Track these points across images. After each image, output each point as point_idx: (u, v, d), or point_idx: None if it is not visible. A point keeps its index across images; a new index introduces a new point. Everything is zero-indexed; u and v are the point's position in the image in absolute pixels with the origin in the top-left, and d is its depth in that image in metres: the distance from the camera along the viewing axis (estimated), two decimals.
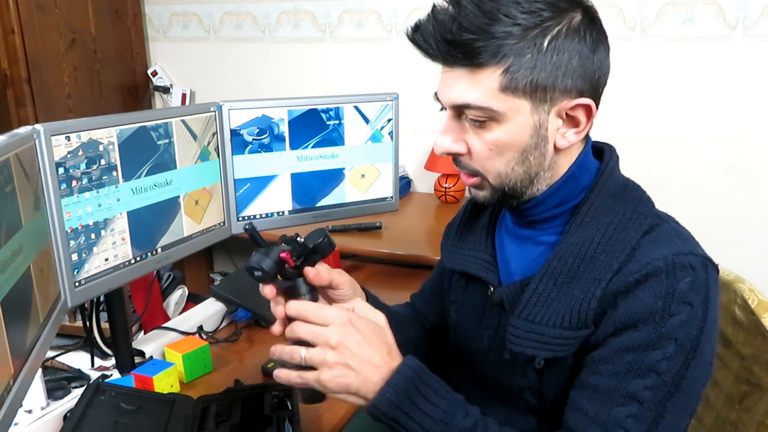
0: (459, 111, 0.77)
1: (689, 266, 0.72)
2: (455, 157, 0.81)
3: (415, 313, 1.08)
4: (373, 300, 0.95)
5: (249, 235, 0.80)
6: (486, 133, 0.76)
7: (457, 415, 0.72)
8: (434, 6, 0.74)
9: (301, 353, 0.73)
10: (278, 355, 0.75)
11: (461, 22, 0.71)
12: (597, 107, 0.77)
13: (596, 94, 0.77)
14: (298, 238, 0.81)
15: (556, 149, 0.78)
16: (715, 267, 0.76)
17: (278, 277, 0.79)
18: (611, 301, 0.74)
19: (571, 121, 0.77)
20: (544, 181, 0.80)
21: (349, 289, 0.88)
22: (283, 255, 0.77)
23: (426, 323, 1.07)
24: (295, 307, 0.75)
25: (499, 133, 0.75)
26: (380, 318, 0.78)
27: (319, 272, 0.80)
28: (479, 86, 0.73)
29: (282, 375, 0.74)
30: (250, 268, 0.77)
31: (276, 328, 0.79)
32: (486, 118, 0.75)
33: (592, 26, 0.75)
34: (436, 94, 0.80)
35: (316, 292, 0.82)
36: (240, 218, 1.33)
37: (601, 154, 0.85)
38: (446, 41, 0.72)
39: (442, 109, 0.80)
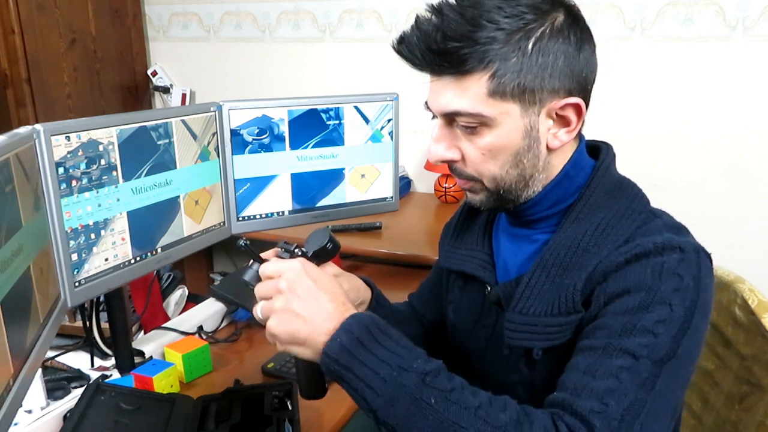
0: (450, 118, 0.78)
1: (678, 248, 0.72)
2: (450, 164, 0.81)
3: (414, 312, 1.08)
4: (378, 296, 0.95)
5: (246, 251, 0.78)
6: (478, 139, 0.76)
7: (419, 360, 0.66)
8: (417, 17, 0.74)
9: (257, 310, 0.73)
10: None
11: (445, 30, 0.71)
12: (587, 105, 0.78)
13: (585, 92, 0.78)
14: (296, 249, 0.79)
15: (549, 149, 0.78)
16: (708, 256, 0.76)
17: None
18: (600, 280, 0.74)
19: (562, 120, 0.77)
20: (539, 182, 0.80)
21: (351, 295, 0.88)
22: None
23: (425, 322, 1.07)
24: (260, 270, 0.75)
25: (491, 137, 0.76)
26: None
27: None
28: (467, 93, 0.74)
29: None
30: (246, 283, 0.76)
31: None
32: (477, 124, 0.75)
33: (576, 25, 0.75)
34: (426, 103, 0.80)
35: None
36: (240, 218, 1.33)
37: (597, 152, 0.85)
38: (431, 51, 0.72)
39: (434, 117, 0.81)
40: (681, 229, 0.78)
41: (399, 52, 0.76)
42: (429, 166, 2.24)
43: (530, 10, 0.72)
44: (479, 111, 0.74)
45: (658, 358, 0.68)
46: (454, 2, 0.73)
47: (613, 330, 0.70)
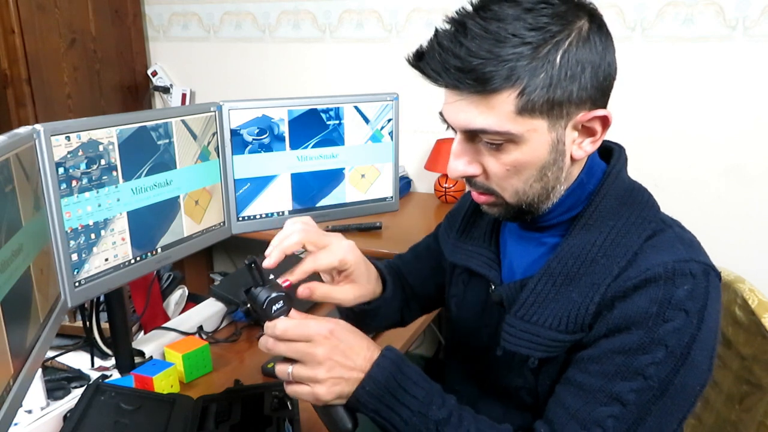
0: (472, 134, 0.74)
1: (689, 273, 0.71)
2: (468, 178, 0.78)
3: (396, 278, 1.05)
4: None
5: (250, 270, 0.74)
6: (503, 155, 0.73)
7: (433, 406, 0.72)
8: (437, 30, 0.70)
9: (288, 370, 0.72)
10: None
11: (468, 46, 0.67)
12: (605, 108, 0.75)
13: (606, 98, 0.75)
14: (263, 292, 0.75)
15: (572, 160, 0.76)
16: (718, 275, 0.75)
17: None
18: (608, 304, 0.73)
19: (587, 131, 0.75)
20: (558, 193, 0.78)
21: (360, 266, 0.89)
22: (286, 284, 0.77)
23: (405, 287, 1.06)
24: (273, 327, 0.72)
25: (518, 154, 0.73)
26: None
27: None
28: (494, 111, 0.70)
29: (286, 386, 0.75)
30: (270, 301, 0.73)
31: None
32: (502, 141, 0.72)
33: (600, 31, 0.72)
34: (441, 114, 0.76)
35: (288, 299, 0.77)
36: (240, 218, 1.33)
37: (609, 153, 0.83)
38: (455, 68, 0.68)
39: (448, 128, 0.77)
40: (692, 242, 0.76)
41: (418, 68, 0.72)
42: (429, 166, 2.24)
43: (555, 20, 0.68)
44: (507, 129, 0.70)
45: (646, 400, 0.70)
46: (475, 14, 0.70)
47: (607, 370, 0.72)
